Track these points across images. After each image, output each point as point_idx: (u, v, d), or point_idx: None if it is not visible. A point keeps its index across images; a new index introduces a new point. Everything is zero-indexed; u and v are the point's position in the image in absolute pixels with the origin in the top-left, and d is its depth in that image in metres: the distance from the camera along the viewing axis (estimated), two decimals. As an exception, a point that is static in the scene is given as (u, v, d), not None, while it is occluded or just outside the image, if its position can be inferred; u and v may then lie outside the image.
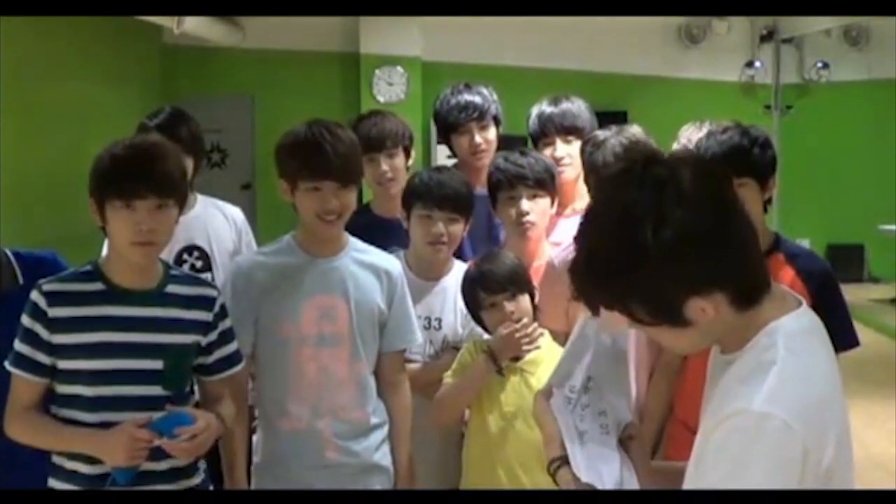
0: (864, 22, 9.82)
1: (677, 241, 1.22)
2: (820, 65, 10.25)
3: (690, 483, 1.31)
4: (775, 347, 1.27)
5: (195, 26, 7.61)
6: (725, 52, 10.06)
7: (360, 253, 2.45)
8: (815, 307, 2.11)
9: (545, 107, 3.10)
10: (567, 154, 3.00)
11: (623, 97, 9.06)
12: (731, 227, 1.27)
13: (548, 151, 3.04)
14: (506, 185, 2.75)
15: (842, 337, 2.26)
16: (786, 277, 2.27)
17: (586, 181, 2.63)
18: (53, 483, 2.10)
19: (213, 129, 9.11)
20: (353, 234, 2.49)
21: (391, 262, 2.50)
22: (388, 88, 9.20)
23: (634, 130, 2.56)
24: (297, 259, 2.41)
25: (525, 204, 2.73)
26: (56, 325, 2.02)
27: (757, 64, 10.16)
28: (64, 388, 2.06)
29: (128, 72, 8.13)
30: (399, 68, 9.18)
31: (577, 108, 3.07)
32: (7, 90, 5.47)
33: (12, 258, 2.37)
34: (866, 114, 9.91)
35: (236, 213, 3.16)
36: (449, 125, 3.15)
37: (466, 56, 9.06)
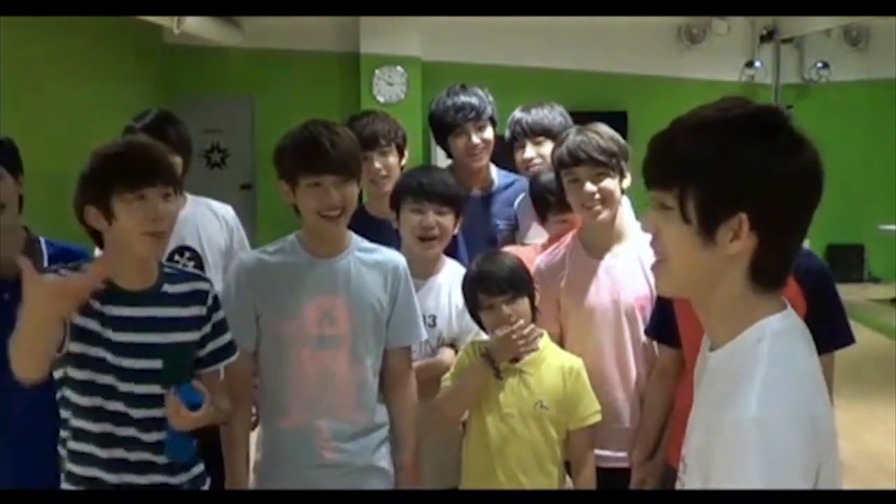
0: (864, 22, 9.83)
1: (784, 175, 1.32)
2: (820, 65, 10.26)
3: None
4: (762, 345, 1.29)
5: (195, 26, 7.62)
6: (725, 52, 10.07)
7: (363, 253, 2.44)
8: (811, 305, 2.15)
9: (517, 113, 3.22)
10: (537, 154, 3.11)
11: (623, 97, 9.07)
12: (808, 214, 1.37)
13: (519, 155, 3.17)
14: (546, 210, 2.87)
15: (838, 334, 2.29)
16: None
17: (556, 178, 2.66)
18: (67, 487, 2.10)
19: (213, 129, 9.15)
20: None
21: (396, 257, 2.49)
22: (388, 88, 9.21)
23: (600, 128, 2.59)
24: (299, 259, 2.41)
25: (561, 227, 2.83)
26: None
27: (757, 64, 10.17)
28: (62, 393, 2.08)
29: (128, 71, 8.13)
30: (399, 68, 9.19)
31: (548, 111, 3.18)
32: (7, 90, 5.48)
33: (43, 245, 2.42)
34: (866, 114, 9.92)
35: (227, 211, 3.13)
36: (445, 126, 3.16)
37: (466, 56, 9.07)
